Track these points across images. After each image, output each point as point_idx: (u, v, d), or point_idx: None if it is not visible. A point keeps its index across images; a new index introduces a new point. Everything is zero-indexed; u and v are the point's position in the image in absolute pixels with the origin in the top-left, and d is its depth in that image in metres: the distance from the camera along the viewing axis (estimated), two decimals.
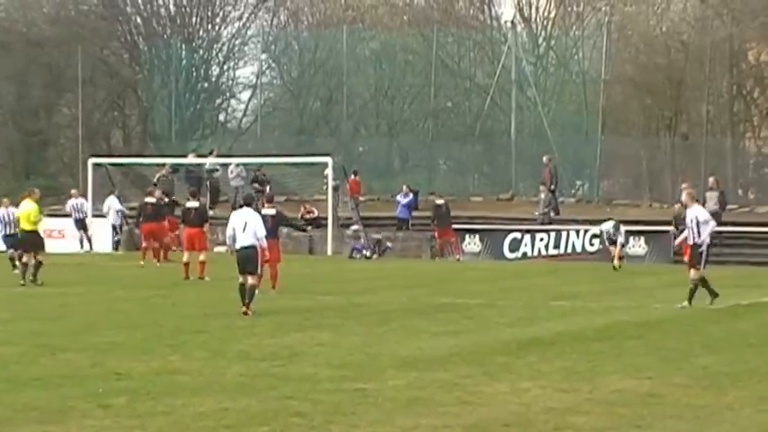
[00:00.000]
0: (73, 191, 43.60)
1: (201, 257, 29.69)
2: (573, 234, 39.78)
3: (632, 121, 52.33)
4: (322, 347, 16.47)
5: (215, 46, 58.65)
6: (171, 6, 59.51)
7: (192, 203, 31.90)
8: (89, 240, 41.84)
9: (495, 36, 54.19)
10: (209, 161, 46.66)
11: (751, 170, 50.48)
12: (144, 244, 35.50)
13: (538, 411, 11.73)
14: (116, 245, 42.19)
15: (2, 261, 32.03)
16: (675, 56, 49.81)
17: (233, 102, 60.23)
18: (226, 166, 46.47)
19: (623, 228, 35.62)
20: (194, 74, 57.32)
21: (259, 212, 22.82)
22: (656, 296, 24.86)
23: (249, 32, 58.80)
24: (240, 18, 59.88)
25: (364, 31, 56.04)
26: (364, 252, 39.95)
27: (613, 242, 35.19)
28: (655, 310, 21.89)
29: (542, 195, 41.94)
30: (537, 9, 57.02)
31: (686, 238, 23.26)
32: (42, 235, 29.42)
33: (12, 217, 30.74)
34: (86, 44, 54.06)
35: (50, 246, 32.94)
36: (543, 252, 39.90)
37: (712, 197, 38.87)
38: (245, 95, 59.25)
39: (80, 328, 18.85)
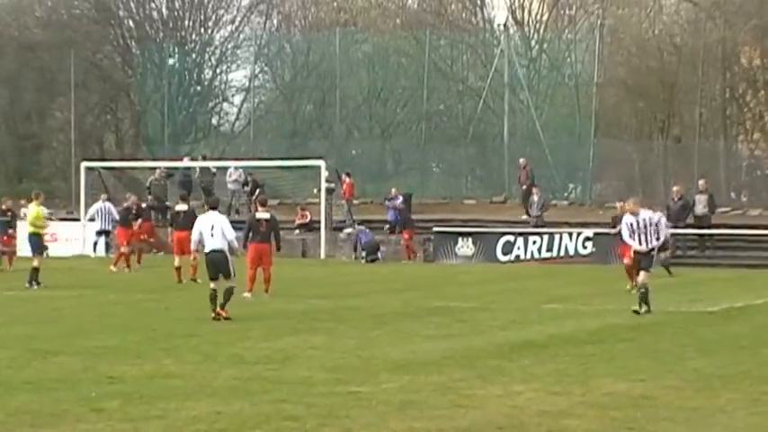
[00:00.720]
0: (103, 195, 41.41)
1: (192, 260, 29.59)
2: (566, 237, 39.77)
3: (625, 124, 52.44)
4: (315, 351, 16.45)
5: (208, 49, 58.65)
6: (164, 10, 59.58)
7: (182, 206, 31.83)
8: (106, 246, 41.26)
9: (488, 39, 54.22)
10: (198, 165, 46.61)
11: (743, 173, 50.53)
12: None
13: (531, 414, 11.73)
14: (106, 248, 42.06)
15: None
16: (668, 59, 49.89)
17: (226, 105, 60.34)
18: (222, 168, 46.47)
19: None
20: (187, 77, 57.30)
21: (253, 216, 22.72)
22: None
23: (242, 36, 58.92)
24: (233, 21, 60.06)
25: (357, 33, 56.09)
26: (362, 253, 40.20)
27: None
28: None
29: (535, 198, 41.90)
30: (530, 12, 57.16)
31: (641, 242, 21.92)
32: (44, 238, 29.70)
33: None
34: (79, 48, 54.07)
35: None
36: (536, 255, 39.90)
37: (702, 200, 38.85)
38: (238, 99, 59.37)
39: (73, 332, 18.81)
